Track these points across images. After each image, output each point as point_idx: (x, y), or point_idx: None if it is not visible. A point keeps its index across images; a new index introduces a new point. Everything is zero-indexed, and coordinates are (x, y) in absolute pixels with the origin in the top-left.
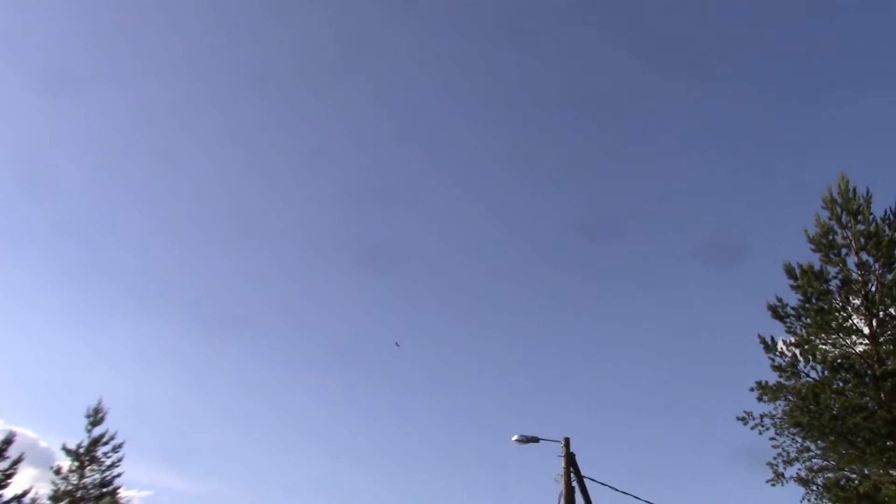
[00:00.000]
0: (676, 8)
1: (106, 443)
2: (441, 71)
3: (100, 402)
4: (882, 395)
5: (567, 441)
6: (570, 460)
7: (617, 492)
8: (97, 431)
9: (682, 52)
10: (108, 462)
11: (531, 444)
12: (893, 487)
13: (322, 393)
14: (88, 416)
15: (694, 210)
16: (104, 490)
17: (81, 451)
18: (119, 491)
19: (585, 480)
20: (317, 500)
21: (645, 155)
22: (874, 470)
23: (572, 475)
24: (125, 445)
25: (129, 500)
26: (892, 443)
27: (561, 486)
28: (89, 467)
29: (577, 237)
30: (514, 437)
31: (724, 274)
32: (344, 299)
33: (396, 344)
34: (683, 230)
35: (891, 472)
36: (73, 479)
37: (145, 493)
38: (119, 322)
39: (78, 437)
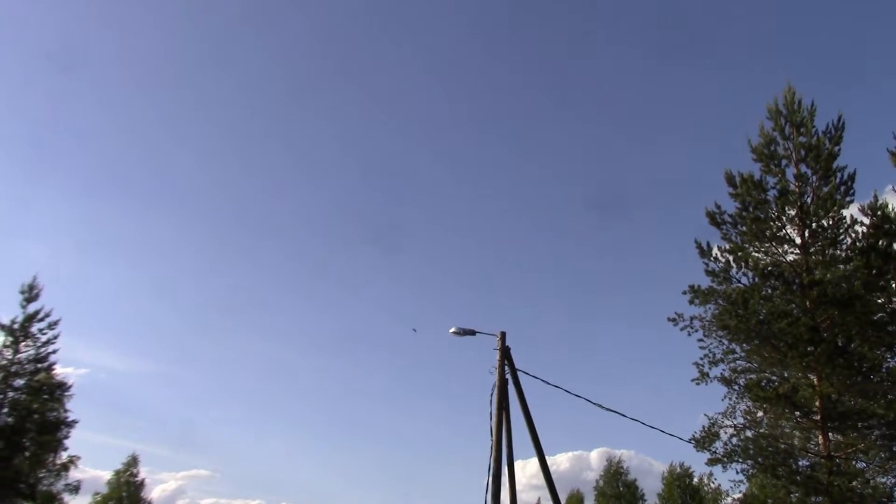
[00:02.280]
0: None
1: (41, 319)
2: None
3: (35, 279)
4: (807, 303)
5: (503, 335)
6: (505, 353)
7: (549, 385)
8: (32, 308)
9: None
10: (44, 339)
11: (468, 337)
12: (810, 390)
13: (256, 273)
14: (23, 292)
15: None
16: (39, 366)
17: (16, 326)
18: (54, 367)
19: (519, 373)
20: (256, 380)
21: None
22: (793, 373)
23: (506, 368)
24: (61, 323)
25: (64, 377)
26: (812, 348)
27: (495, 378)
28: (24, 343)
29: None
30: (452, 330)
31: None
32: None
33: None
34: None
35: (809, 375)
36: (7, 354)
37: (82, 370)
38: (57, 199)
39: (12, 312)
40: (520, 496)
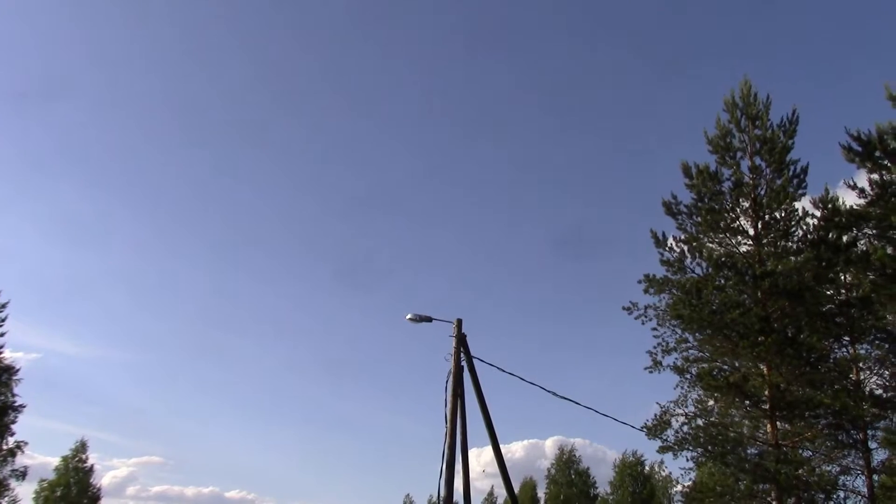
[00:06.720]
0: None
1: None
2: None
3: None
4: (759, 294)
5: (459, 322)
6: (461, 340)
7: (504, 373)
8: None
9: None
10: None
11: (425, 325)
12: (759, 379)
13: (214, 261)
14: None
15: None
16: None
17: None
18: (2, 351)
19: (475, 361)
20: (210, 367)
21: None
22: (744, 363)
23: (462, 355)
24: (11, 305)
25: (13, 361)
26: (763, 338)
27: (450, 365)
28: None
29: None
30: (409, 316)
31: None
32: None
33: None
34: None
35: (759, 365)
36: None
37: (33, 355)
38: (12, 181)
39: None
40: (474, 484)
